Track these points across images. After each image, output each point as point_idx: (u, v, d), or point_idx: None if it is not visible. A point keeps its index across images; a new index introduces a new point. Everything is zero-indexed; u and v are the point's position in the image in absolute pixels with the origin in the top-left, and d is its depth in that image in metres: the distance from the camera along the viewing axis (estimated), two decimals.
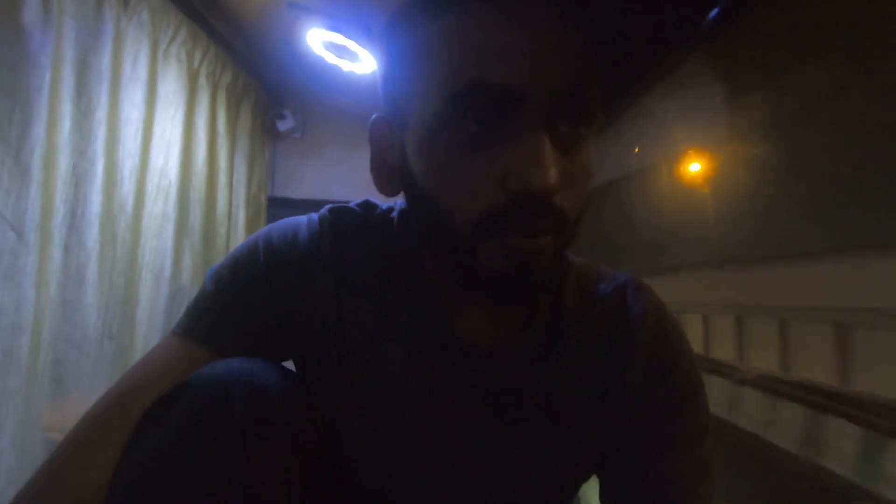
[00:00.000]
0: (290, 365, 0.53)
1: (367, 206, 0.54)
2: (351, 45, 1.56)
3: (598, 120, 0.40)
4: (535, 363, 0.48)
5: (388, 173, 0.46)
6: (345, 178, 2.42)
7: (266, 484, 0.38)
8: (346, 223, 0.51)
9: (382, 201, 0.55)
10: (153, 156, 1.45)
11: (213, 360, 0.44)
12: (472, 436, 0.49)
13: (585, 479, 0.54)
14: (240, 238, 2.03)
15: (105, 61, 1.22)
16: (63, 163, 1.12)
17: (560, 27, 0.37)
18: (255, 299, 0.47)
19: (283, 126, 2.26)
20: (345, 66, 1.72)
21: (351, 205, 0.53)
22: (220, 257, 1.81)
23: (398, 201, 0.53)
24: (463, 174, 0.37)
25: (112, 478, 0.38)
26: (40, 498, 0.40)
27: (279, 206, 2.35)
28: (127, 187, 1.33)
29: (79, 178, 1.17)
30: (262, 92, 2.19)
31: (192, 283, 1.63)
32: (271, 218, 2.28)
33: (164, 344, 0.47)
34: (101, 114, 1.21)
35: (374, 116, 0.46)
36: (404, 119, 0.41)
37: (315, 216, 0.51)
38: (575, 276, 0.52)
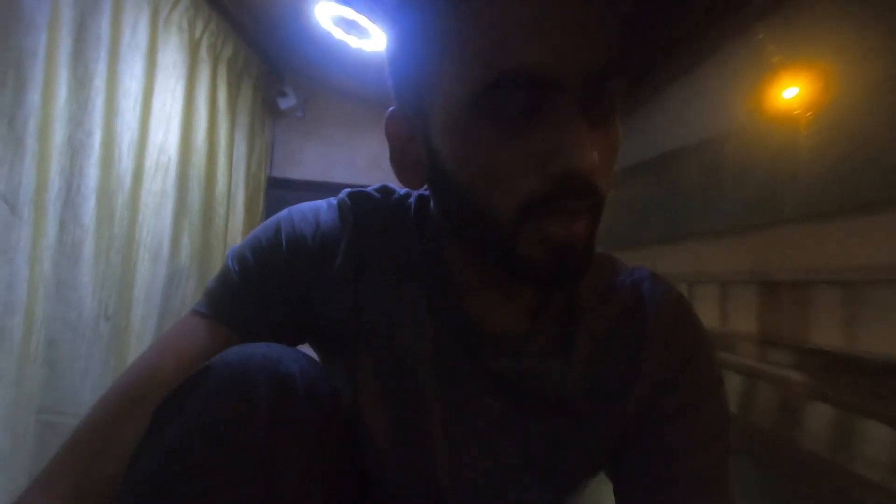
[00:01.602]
0: (306, 350, 0.52)
1: (386, 191, 0.53)
2: (362, 20, 1.50)
3: (624, 97, 0.40)
4: (551, 351, 0.48)
5: (410, 167, 0.45)
6: (347, 161, 2.36)
7: (289, 474, 0.37)
8: (365, 208, 0.50)
9: (399, 186, 0.54)
10: (153, 130, 1.38)
11: (237, 341, 0.44)
12: (488, 422, 0.48)
13: (600, 468, 0.53)
14: (238, 218, 1.97)
15: (104, 26, 1.15)
16: (59, 133, 1.06)
17: (589, 7, 0.35)
18: (278, 282, 0.47)
19: (284, 104, 2.19)
20: (353, 42, 1.66)
21: (369, 189, 0.53)
22: (218, 238, 1.77)
23: None
24: (502, 162, 0.37)
25: (128, 466, 0.38)
26: (60, 480, 0.40)
27: (278, 187, 2.29)
28: (125, 162, 1.27)
29: (75, 150, 1.11)
30: (263, 67, 2.11)
31: (190, 264, 1.58)
32: (270, 199, 2.22)
33: (186, 323, 0.47)
34: (98, 82, 1.15)
35: (390, 110, 0.45)
36: (425, 110, 0.41)
37: (334, 200, 0.51)
38: (593, 267, 0.51)
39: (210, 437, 0.36)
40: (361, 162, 2.36)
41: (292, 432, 0.38)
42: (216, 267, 0.47)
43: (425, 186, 0.46)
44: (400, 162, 0.46)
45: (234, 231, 1.95)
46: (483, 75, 0.35)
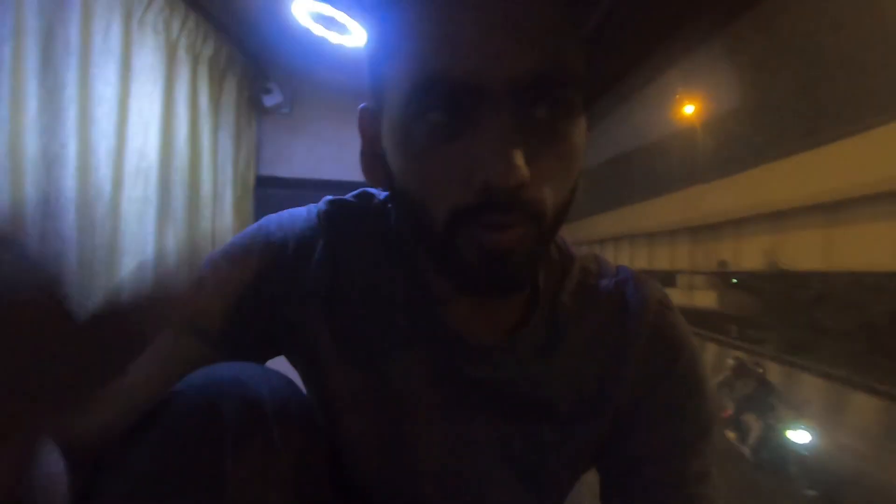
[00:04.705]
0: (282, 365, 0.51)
1: (364, 196, 0.52)
2: (340, 16, 1.47)
3: (580, 104, 0.37)
4: (533, 358, 0.47)
5: (374, 164, 0.44)
6: (336, 157, 2.33)
7: (260, 497, 0.37)
8: (343, 216, 0.50)
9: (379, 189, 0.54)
10: (130, 136, 1.36)
11: (207, 351, 0.44)
12: (471, 431, 0.48)
13: (585, 471, 0.54)
14: (227, 220, 1.95)
15: (73, 33, 1.12)
16: (31, 146, 1.04)
17: (532, 11, 0.34)
18: (252, 292, 0.46)
19: (269, 101, 2.16)
20: (333, 38, 1.62)
21: (348, 196, 0.52)
22: (206, 240, 1.75)
23: None
24: (432, 168, 0.37)
25: (90, 495, 0.36)
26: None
27: (268, 185, 2.26)
28: (103, 170, 1.25)
29: (50, 163, 1.09)
30: (246, 65, 2.08)
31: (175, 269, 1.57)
32: (260, 198, 2.20)
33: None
34: (70, 91, 1.12)
35: (361, 106, 0.45)
36: (381, 109, 0.40)
37: (314, 208, 0.51)
38: (577, 270, 0.51)
39: (176, 465, 0.36)
40: (350, 157, 2.32)
41: (261, 456, 0.38)
42: None
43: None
44: (368, 158, 0.46)
45: (224, 232, 1.93)
46: (415, 77, 0.35)
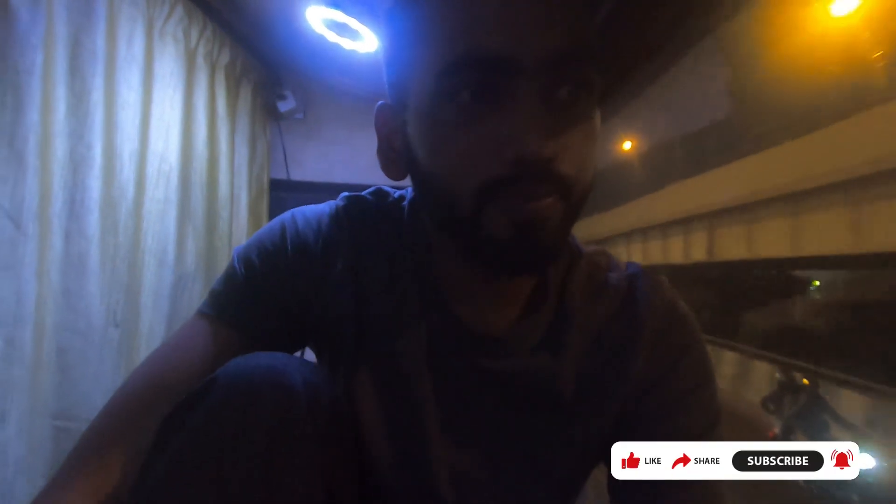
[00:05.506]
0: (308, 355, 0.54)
1: (380, 194, 0.54)
2: (352, 22, 1.51)
3: (600, 85, 0.39)
4: (541, 350, 0.48)
5: (394, 158, 0.46)
6: (348, 161, 2.37)
7: (291, 486, 0.38)
8: (362, 212, 0.52)
9: (393, 188, 0.56)
10: (152, 139, 1.41)
11: (242, 342, 0.46)
12: (482, 420, 0.49)
13: (594, 465, 0.54)
14: (242, 222, 2.00)
15: (99, 41, 1.18)
16: (59, 148, 1.09)
17: None
18: (283, 285, 0.48)
19: (283, 107, 2.21)
20: (346, 44, 1.66)
21: (364, 193, 0.54)
22: (223, 241, 1.80)
23: (408, 189, 0.54)
24: (461, 147, 0.37)
25: (137, 480, 0.39)
26: (77, 481, 0.40)
27: (281, 189, 2.31)
28: (127, 172, 1.29)
29: (76, 164, 1.14)
30: (261, 72, 2.13)
31: (195, 268, 1.61)
32: (274, 201, 2.25)
33: (191, 325, 0.49)
34: (96, 96, 1.17)
35: (379, 103, 0.46)
36: (405, 102, 0.41)
37: (334, 204, 0.53)
38: (585, 264, 0.52)
39: (212, 452, 0.37)
40: (362, 162, 2.37)
41: (294, 445, 0.39)
42: (222, 269, 0.50)
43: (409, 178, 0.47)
44: (386, 154, 0.47)
45: (240, 233, 1.98)
46: (444, 58, 0.36)
